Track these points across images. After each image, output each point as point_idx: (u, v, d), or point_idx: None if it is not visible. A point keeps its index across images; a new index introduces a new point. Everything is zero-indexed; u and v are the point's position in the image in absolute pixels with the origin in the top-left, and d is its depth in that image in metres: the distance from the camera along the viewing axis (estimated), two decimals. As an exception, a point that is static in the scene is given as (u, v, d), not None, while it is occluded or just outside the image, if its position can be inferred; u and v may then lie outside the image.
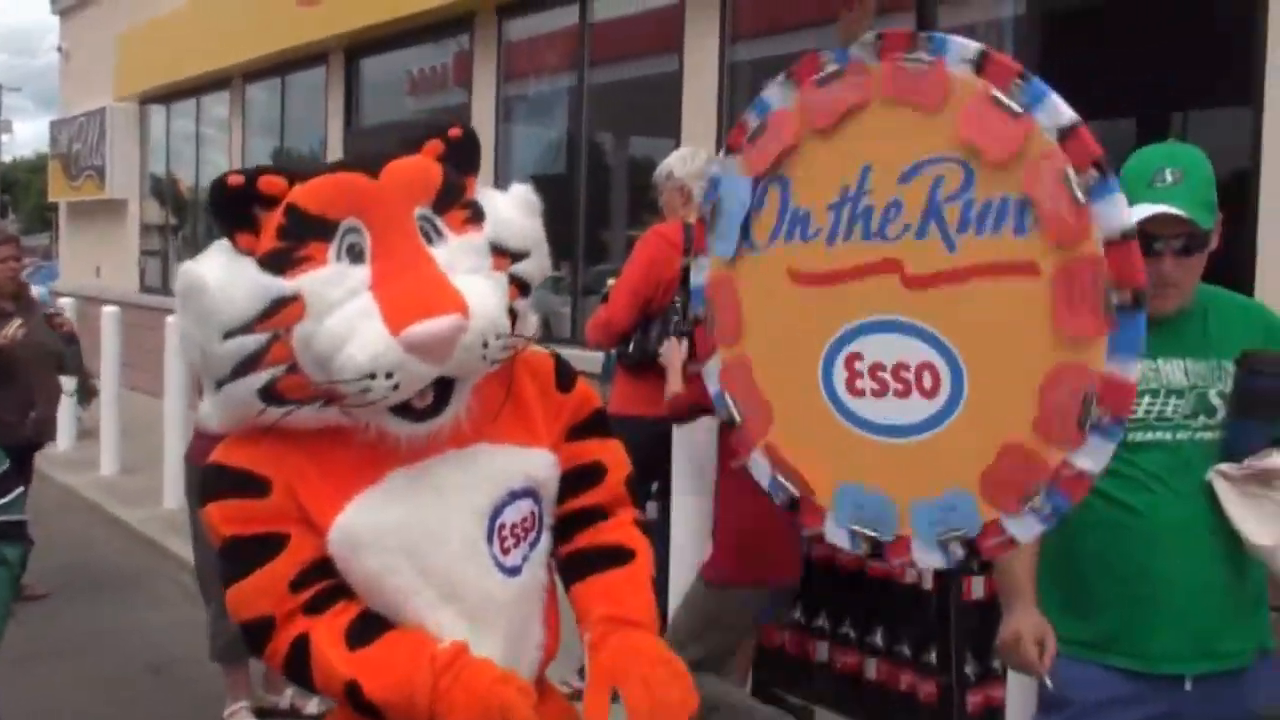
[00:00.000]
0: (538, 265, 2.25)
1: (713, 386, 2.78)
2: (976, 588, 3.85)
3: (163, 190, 16.77)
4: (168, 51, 14.72)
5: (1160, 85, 5.58)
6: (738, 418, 2.73)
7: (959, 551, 2.37)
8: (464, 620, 2.08)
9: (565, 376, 2.37)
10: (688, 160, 5.31)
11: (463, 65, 10.11)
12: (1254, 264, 4.70)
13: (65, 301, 10.86)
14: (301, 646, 2.02)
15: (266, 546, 2.03)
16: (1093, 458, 2.17)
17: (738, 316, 2.69)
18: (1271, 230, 4.63)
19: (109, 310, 10.69)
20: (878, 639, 4.30)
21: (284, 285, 1.99)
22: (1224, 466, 2.58)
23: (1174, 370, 2.64)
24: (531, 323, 2.28)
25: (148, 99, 16.47)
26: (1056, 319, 2.17)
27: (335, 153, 11.67)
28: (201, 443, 4.93)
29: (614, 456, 2.40)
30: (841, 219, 2.48)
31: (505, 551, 2.14)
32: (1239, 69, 4.81)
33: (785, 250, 2.59)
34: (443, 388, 2.06)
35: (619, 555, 2.33)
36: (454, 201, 2.15)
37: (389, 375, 1.94)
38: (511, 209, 2.24)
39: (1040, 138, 2.17)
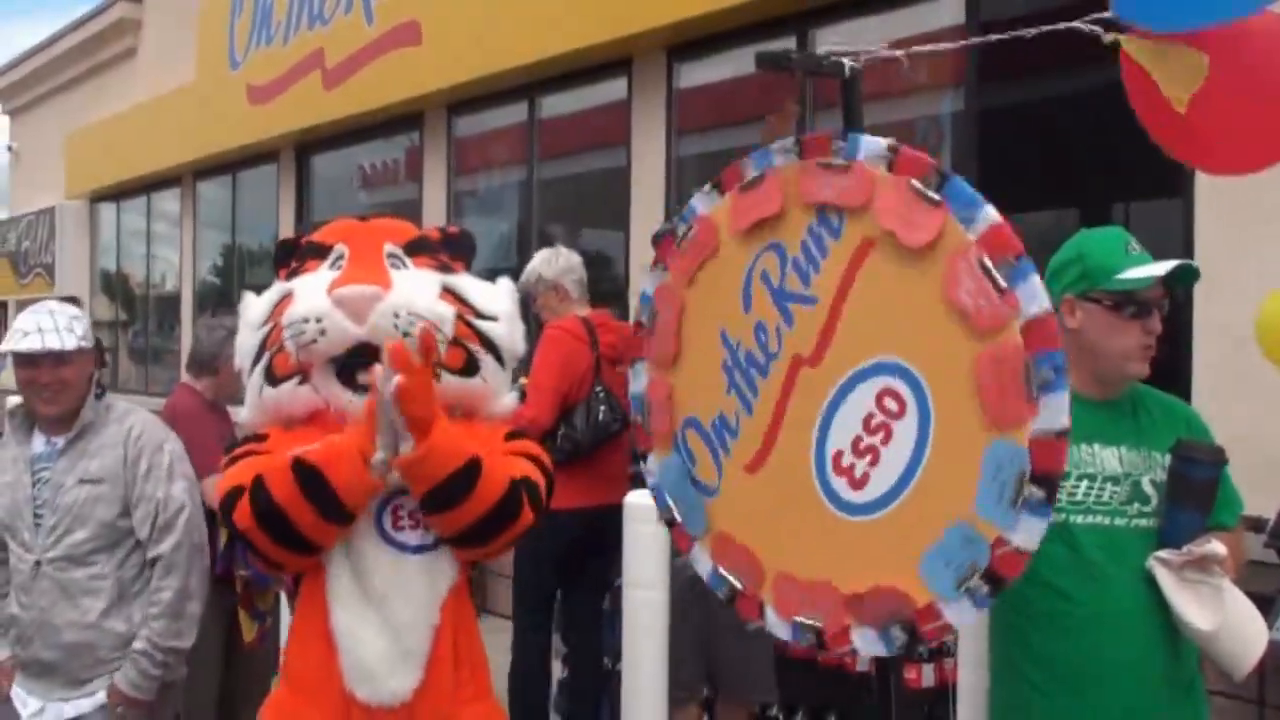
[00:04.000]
0: (507, 331, 2.79)
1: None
2: (927, 675, 3.86)
3: (113, 287, 16.72)
4: (118, 150, 14.76)
5: (1096, 178, 5.70)
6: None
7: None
8: (352, 576, 2.61)
9: (513, 436, 2.83)
10: (552, 261, 5.44)
11: (414, 160, 10.20)
12: (1190, 350, 4.80)
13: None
14: (259, 478, 2.56)
15: (250, 454, 2.69)
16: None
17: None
18: (1205, 317, 4.74)
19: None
20: (830, 729, 4.30)
21: (286, 285, 2.78)
22: (1163, 553, 2.59)
23: (1110, 457, 2.68)
24: (493, 383, 2.79)
25: (98, 197, 16.47)
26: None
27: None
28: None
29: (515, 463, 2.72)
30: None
31: (398, 527, 2.65)
32: (1171, 162, 4.92)
33: None
34: None
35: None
36: (423, 251, 2.86)
37: (318, 320, 2.62)
38: (485, 285, 2.84)
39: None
